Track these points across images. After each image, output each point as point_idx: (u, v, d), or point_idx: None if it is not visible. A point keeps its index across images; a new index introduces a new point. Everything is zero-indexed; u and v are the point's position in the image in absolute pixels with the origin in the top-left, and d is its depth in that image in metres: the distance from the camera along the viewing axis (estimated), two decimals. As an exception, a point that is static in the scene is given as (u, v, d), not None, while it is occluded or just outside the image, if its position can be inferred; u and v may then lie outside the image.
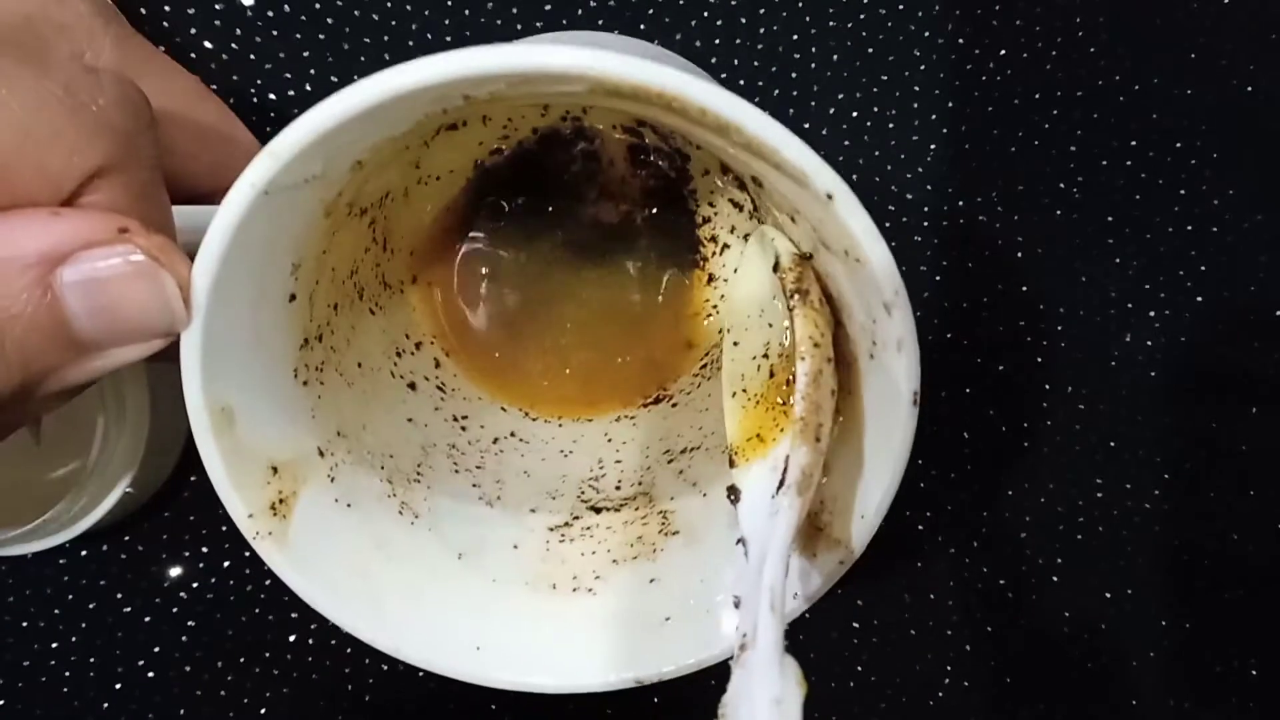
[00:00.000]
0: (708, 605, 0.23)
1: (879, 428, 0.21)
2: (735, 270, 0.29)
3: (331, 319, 0.24)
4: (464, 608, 0.23)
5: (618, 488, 0.27)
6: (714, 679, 0.34)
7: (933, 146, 0.34)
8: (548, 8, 0.33)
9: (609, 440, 0.28)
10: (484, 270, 0.29)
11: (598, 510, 0.26)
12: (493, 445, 0.28)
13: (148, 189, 0.18)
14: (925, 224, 0.34)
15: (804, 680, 0.18)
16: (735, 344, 0.25)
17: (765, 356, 0.24)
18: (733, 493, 0.22)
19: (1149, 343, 0.35)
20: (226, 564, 0.33)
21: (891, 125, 0.34)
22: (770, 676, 0.18)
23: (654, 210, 0.29)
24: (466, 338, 0.29)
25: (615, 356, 0.29)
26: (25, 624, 0.33)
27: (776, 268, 0.22)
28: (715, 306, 0.29)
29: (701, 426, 0.27)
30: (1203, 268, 0.35)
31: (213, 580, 0.33)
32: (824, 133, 0.34)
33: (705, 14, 0.34)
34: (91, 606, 0.33)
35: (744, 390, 0.24)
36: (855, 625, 0.34)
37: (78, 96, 0.16)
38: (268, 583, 0.33)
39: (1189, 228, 0.35)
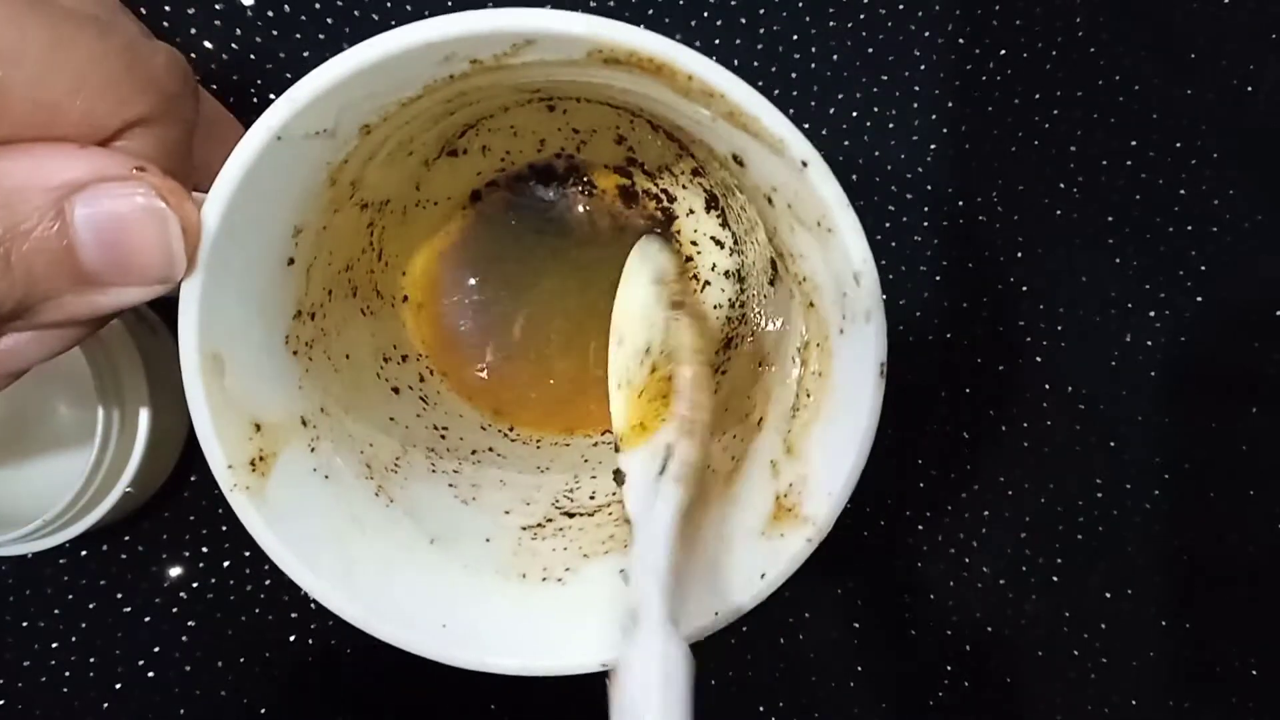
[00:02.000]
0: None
1: (847, 404, 0.22)
2: (715, 306, 0.30)
3: (325, 303, 0.25)
4: (433, 588, 0.24)
5: (592, 498, 0.28)
6: (709, 676, 0.34)
7: (933, 146, 0.34)
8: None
9: (585, 461, 0.29)
10: (474, 291, 0.30)
11: (571, 515, 0.27)
12: (471, 455, 0.29)
13: (178, 146, 0.19)
14: (925, 224, 0.34)
15: (690, 656, 0.20)
16: (620, 343, 0.26)
17: (647, 353, 0.25)
18: (618, 476, 0.24)
19: (1149, 343, 0.35)
20: (226, 564, 0.33)
21: (891, 125, 0.34)
22: (656, 652, 0.19)
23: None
24: (453, 357, 0.31)
25: (594, 374, 0.30)
26: (25, 624, 0.33)
27: (660, 280, 0.24)
28: None
29: None
30: (1203, 268, 0.35)
31: (212, 580, 0.33)
32: (824, 133, 0.34)
33: (705, 14, 0.34)
34: (91, 606, 0.33)
35: (628, 383, 0.25)
36: (855, 625, 0.34)
37: (136, 53, 0.18)
38: (268, 583, 0.33)
39: (1189, 228, 0.35)
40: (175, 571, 0.33)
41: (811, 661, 0.34)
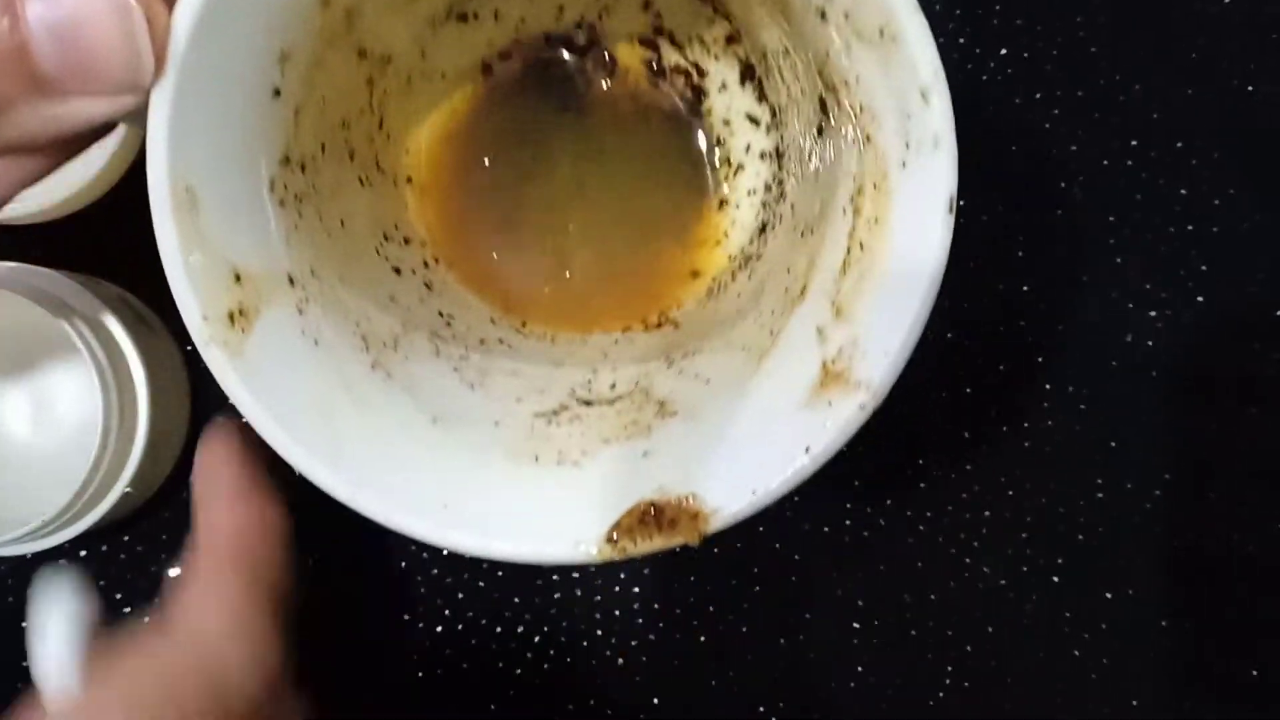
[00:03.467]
0: (701, 475, 0.21)
1: (909, 249, 0.19)
2: (749, 193, 0.27)
3: (318, 158, 0.23)
4: (434, 467, 0.21)
5: (613, 387, 0.25)
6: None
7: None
8: None
9: (605, 356, 0.26)
10: (484, 169, 0.28)
11: (590, 404, 0.24)
12: (479, 344, 0.26)
13: None
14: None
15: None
16: None
17: None
18: None
19: (1149, 343, 0.35)
20: (226, 564, 0.33)
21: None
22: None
23: (667, 131, 0.28)
24: (461, 245, 0.28)
25: (616, 268, 0.28)
26: (26, 624, 0.33)
27: None
28: (726, 233, 0.28)
29: (706, 335, 0.26)
30: (1203, 268, 0.35)
31: (212, 580, 0.33)
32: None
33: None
34: (91, 607, 0.33)
35: None
36: (855, 625, 0.34)
37: None
38: (267, 583, 0.33)
39: (1189, 228, 0.35)
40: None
41: (811, 661, 0.34)
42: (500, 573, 0.34)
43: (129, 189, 0.32)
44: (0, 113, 0.16)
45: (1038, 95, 0.35)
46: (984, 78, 0.35)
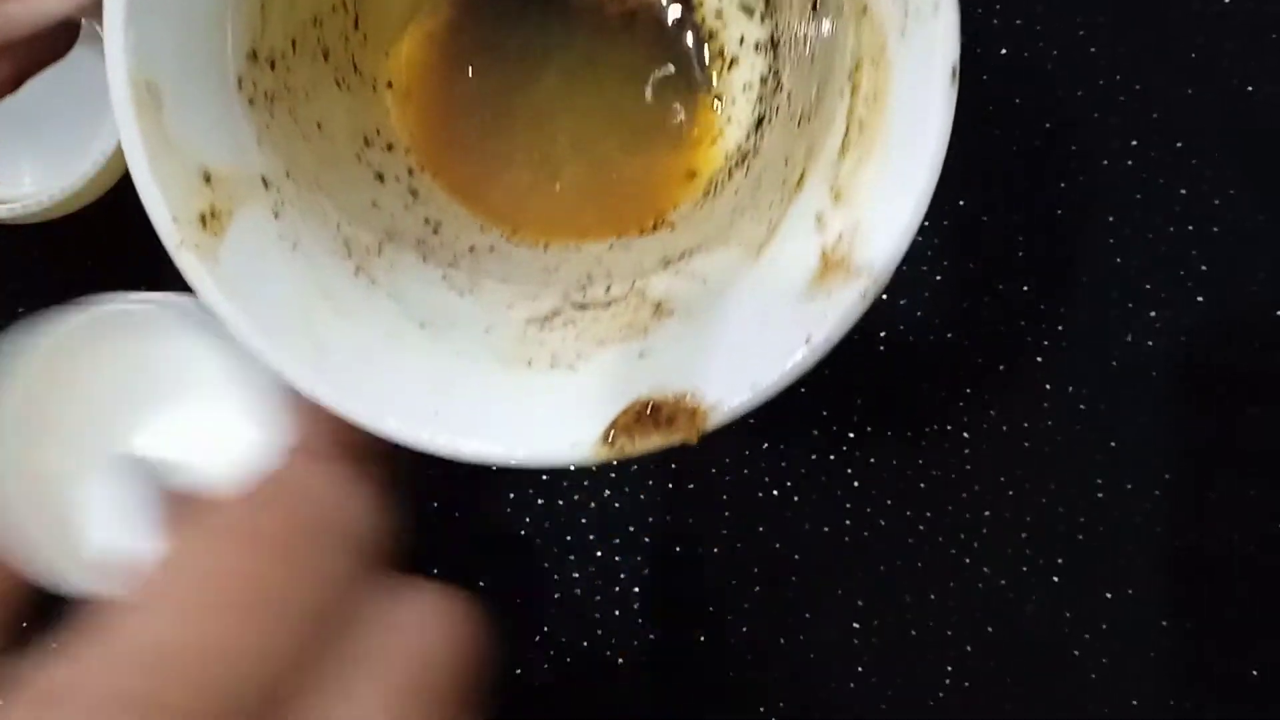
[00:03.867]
0: (699, 372, 0.20)
1: (910, 123, 0.19)
2: (744, 88, 0.27)
3: (289, 55, 0.22)
4: (423, 374, 0.20)
5: (607, 290, 0.24)
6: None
7: (934, 146, 0.34)
8: None
9: (599, 262, 0.26)
10: (468, 78, 0.27)
11: (584, 308, 0.23)
12: (468, 252, 0.25)
13: None
14: (925, 224, 0.34)
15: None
16: None
17: None
18: None
19: (1149, 343, 0.35)
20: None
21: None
22: None
23: (656, 30, 0.27)
24: (446, 154, 0.27)
25: (609, 176, 0.27)
26: (25, 624, 0.33)
27: None
28: (721, 131, 0.27)
29: (703, 235, 0.25)
30: (1203, 268, 0.35)
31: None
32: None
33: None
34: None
35: None
36: (855, 625, 0.34)
37: None
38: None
39: (1189, 228, 0.35)
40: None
41: (811, 661, 0.34)
42: (500, 572, 0.34)
43: (129, 189, 0.32)
44: None
45: (1038, 95, 0.35)
46: (984, 78, 0.35)
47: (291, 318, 0.20)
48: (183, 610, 0.17)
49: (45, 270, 0.33)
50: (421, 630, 0.20)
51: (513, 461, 0.19)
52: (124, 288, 0.33)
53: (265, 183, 0.20)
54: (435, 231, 0.25)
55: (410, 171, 0.26)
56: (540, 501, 0.34)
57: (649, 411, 0.20)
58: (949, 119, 0.18)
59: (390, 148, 0.26)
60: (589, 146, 0.27)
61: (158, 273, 0.33)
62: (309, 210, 0.21)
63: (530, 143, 0.27)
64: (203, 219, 0.19)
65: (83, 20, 0.31)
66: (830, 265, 0.19)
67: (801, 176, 0.22)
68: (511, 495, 0.34)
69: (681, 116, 0.27)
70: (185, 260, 0.18)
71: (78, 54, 0.32)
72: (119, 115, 0.17)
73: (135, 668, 0.16)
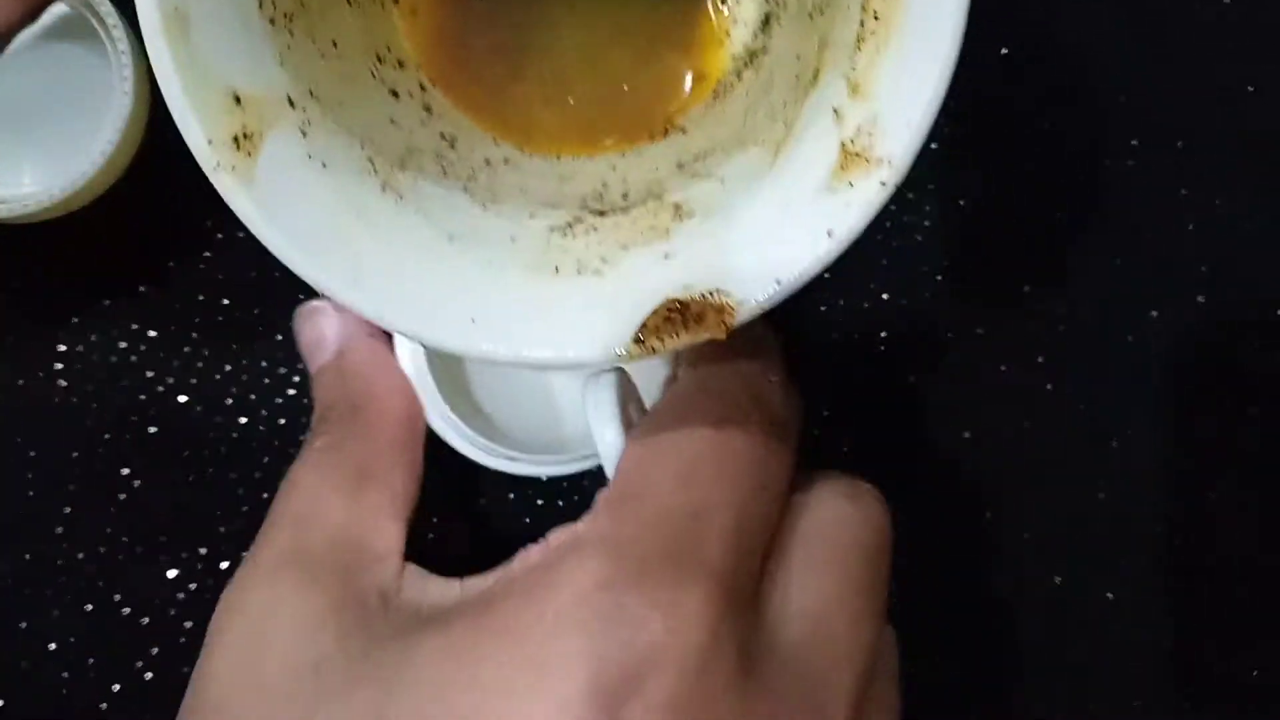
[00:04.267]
0: (724, 270, 0.21)
1: (925, 13, 0.19)
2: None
3: None
4: (456, 285, 0.21)
5: (624, 196, 0.25)
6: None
7: (933, 146, 0.34)
8: None
9: (614, 169, 0.26)
10: (477, 1, 0.27)
11: (603, 214, 0.24)
12: (485, 164, 0.26)
13: None
14: (925, 224, 0.34)
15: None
16: None
17: None
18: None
19: (1149, 343, 0.35)
20: (225, 565, 0.33)
21: (892, 125, 0.34)
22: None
23: None
24: (456, 70, 0.27)
25: (618, 84, 0.28)
26: (25, 624, 0.33)
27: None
28: (728, 32, 0.27)
29: (716, 137, 0.25)
30: (1203, 268, 0.35)
31: (211, 581, 0.33)
32: (824, 132, 0.34)
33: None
34: (89, 608, 0.33)
35: None
36: (855, 625, 0.34)
37: None
38: (267, 583, 0.33)
39: (1189, 228, 0.35)
40: (174, 572, 0.33)
41: (812, 662, 0.34)
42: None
43: (129, 189, 0.32)
44: None
45: (1038, 95, 0.35)
46: (983, 78, 0.35)
47: (327, 234, 0.20)
48: (686, 482, 0.20)
49: (45, 269, 0.33)
50: (860, 523, 0.22)
51: (551, 364, 0.21)
52: (126, 287, 0.33)
53: (291, 102, 0.21)
54: (452, 146, 0.26)
55: (422, 87, 0.27)
56: (540, 502, 0.34)
57: (678, 309, 0.20)
58: (965, 4, 0.18)
59: (401, 65, 0.26)
60: (597, 58, 0.27)
61: (159, 272, 0.33)
62: (334, 129, 0.22)
63: (538, 55, 0.27)
64: (236, 140, 0.19)
65: (83, 19, 0.31)
66: (849, 158, 0.20)
67: (816, 73, 0.22)
68: (511, 495, 0.34)
69: (686, 21, 0.28)
70: (223, 181, 0.19)
71: (77, 53, 0.33)
72: (149, 39, 0.18)
73: (668, 528, 0.20)
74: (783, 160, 0.22)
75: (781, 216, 0.21)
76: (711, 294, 0.20)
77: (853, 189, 0.20)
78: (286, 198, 0.20)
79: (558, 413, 0.32)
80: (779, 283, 0.20)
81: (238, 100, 0.20)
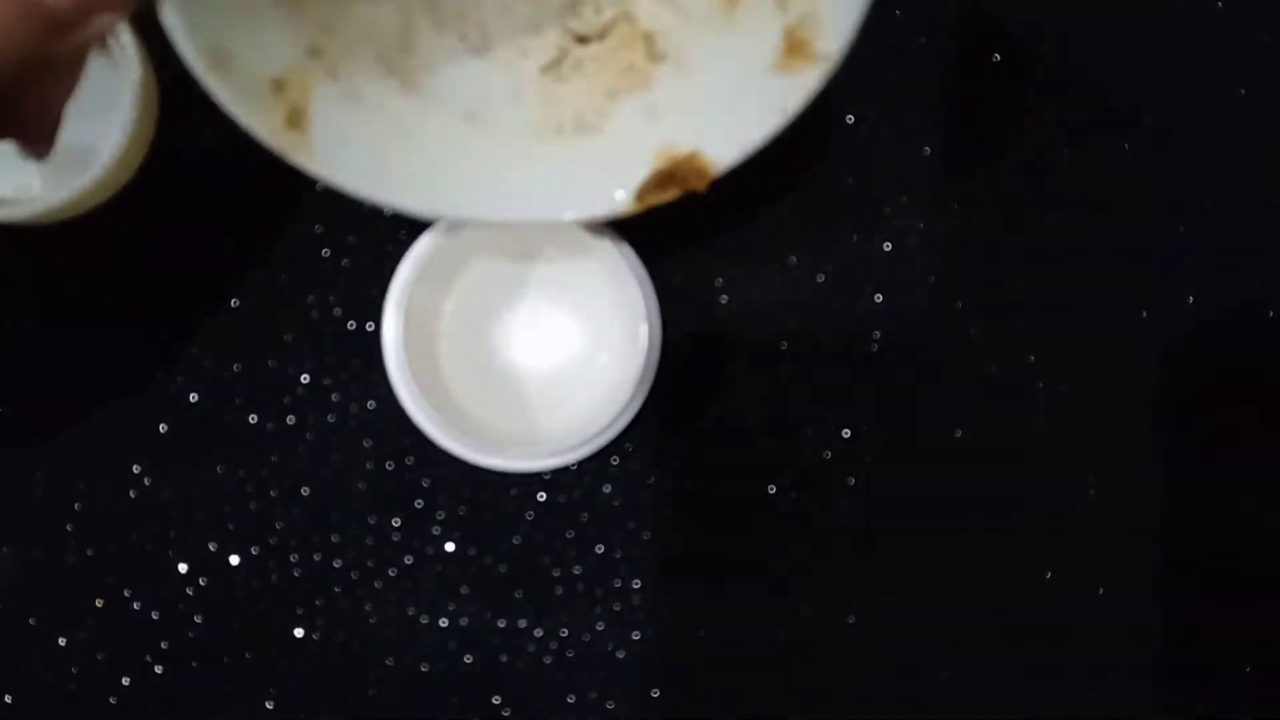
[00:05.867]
0: (699, 132, 0.26)
1: None
2: None
3: None
4: (483, 165, 0.26)
5: (598, 13, 0.28)
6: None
7: (933, 146, 0.35)
8: None
9: None
10: None
11: (584, 40, 0.28)
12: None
13: None
14: (925, 224, 0.34)
15: None
16: None
17: None
18: None
19: (1146, 343, 0.35)
20: (235, 560, 0.33)
21: (891, 125, 0.34)
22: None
23: None
24: None
25: None
26: (33, 621, 0.33)
27: None
28: None
29: None
30: (1194, 268, 0.35)
31: (220, 576, 0.33)
32: (824, 133, 0.34)
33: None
34: (99, 604, 0.33)
35: None
36: (854, 624, 0.34)
37: None
38: (273, 579, 0.33)
39: (1180, 229, 0.35)
40: (184, 567, 0.33)
41: (810, 660, 0.34)
42: (501, 570, 0.34)
43: (138, 192, 0.33)
44: (29, 52, 0.18)
45: (1037, 95, 0.35)
46: (983, 78, 0.35)
47: (377, 160, 0.25)
48: None
49: (56, 271, 0.34)
50: None
51: (567, 218, 0.25)
52: (134, 289, 0.34)
53: (313, 52, 0.25)
54: None
55: None
56: (541, 498, 0.34)
57: (667, 174, 0.26)
58: None
59: None
60: None
61: (167, 274, 0.34)
62: (348, 50, 0.25)
63: None
64: (289, 120, 0.23)
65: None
66: (794, 47, 0.25)
67: None
68: (513, 493, 0.34)
69: None
70: (294, 160, 0.23)
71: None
72: (205, 82, 0.21)
73: None
74: (736, 25, 0.26)
75: (741, 91, 0.26)
76: (692, 156, 0.26)
77: (799, 75, 0.25)
78: (342, 145, 0.24)
79: (529, 410, 0.34)
80: (744, 147, 0.25)
81: (279, 86, 0.23)
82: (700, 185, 0.26)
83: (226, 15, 0.22)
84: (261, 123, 0.23)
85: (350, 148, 0.25)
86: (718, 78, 0.26)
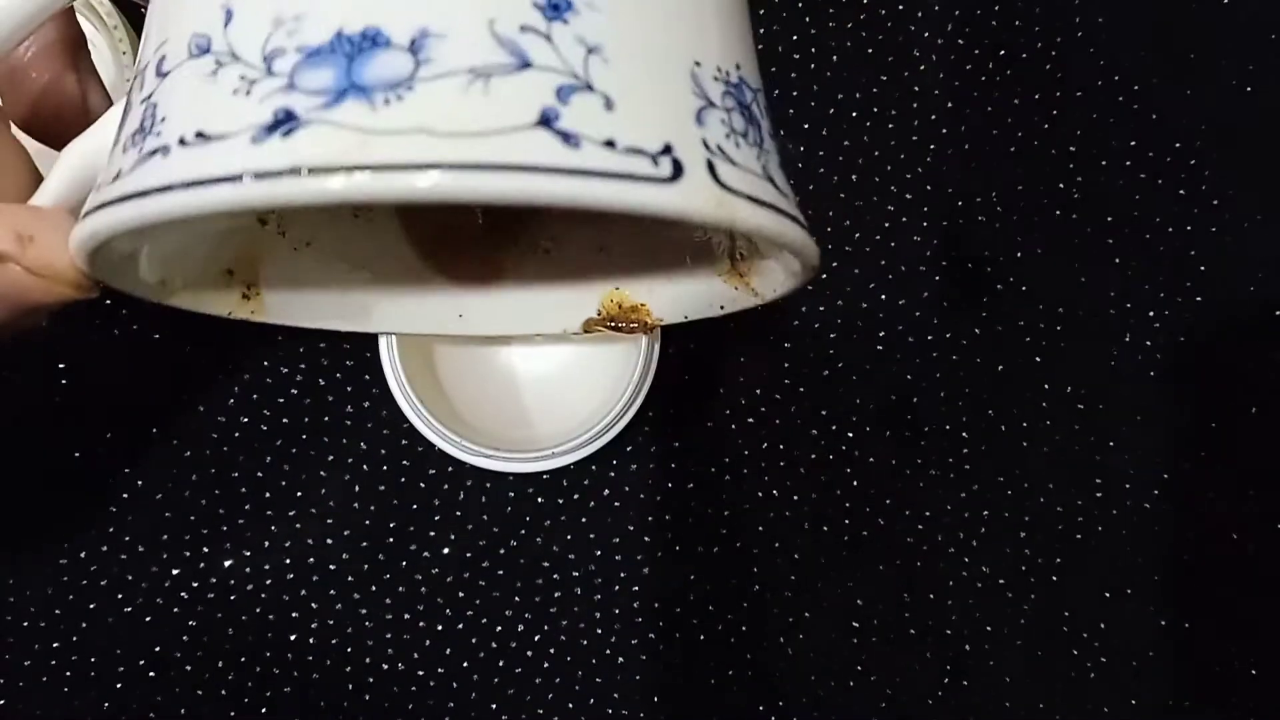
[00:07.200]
0: (645, 288, 0.26)
1: None
2: None
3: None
4: (441, 297, 0.26)
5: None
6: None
7: (932, 146, 0.34)
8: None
9: None
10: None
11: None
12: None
13: None
14: (925, 224, 0.34)
15: None
16: None
17: None
18: None
19: (1149, 343, 0.35)
20: (228, 564, 0.33)
21: (891, 125, 0.34)
22: None
23: None
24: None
25: None
26: (26, 624, 0.33)
27: None
28: None
29: None
30: (1203, 268, 0.35)
31: (213, 580, 0.33)
32: (824, 132, 0.34)
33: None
34: (92, 607, 0.33)
35: None
36: (855, 625, 0.34)
37: None
38: (268, 582, 0.33)
39: (1189, 228, 0.35)
40: (175, 571, 0.33)
41: (811, 661, 0.34)
42: (500, 572, 0.34)
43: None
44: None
45: (1037, 95, 0.35)
46: (983, 78, 0.35)
47: (335, 297, 0.25)
48: None
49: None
50: None
51: (525, 331, 0.26)
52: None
53: (262, 221, 0.24)
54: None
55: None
56: (540, 500, 0.34)
57: (615, 320, 0.27)
58: None
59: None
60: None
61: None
62: (294, 212, 0.25)
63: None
64: (244, 296, 0.23)
65: (85, 19, 0.31)
66: (736, 274, 0.24)
67: None
68: (512, 494, 0.34)
69: None
70: (254, 319, 0.23)
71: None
72: (162, 300, 0.21)
73: None
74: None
75: (691, 277, 0.26)
76: (638, 308, 0.27)
77: (736, 295, 0.24)
78: (296, 296, 0.24)
79: (527, 413, 0.34)
80: (686, 317, 0.26)
81: (230, 272, 0.23)
82: (646, 332, 0.27)
83: (170, 249, 0.22)
84: (220, 307, 0.23)
85: (308, 295, 0.25)
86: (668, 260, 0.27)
